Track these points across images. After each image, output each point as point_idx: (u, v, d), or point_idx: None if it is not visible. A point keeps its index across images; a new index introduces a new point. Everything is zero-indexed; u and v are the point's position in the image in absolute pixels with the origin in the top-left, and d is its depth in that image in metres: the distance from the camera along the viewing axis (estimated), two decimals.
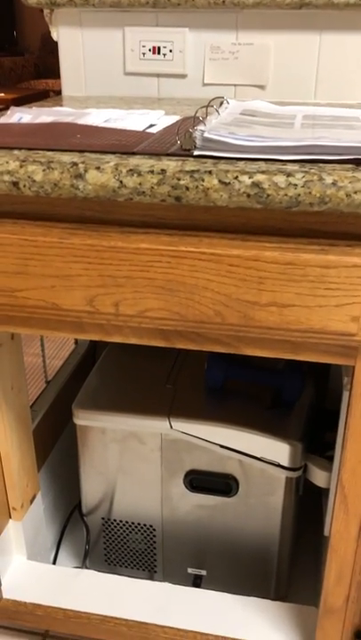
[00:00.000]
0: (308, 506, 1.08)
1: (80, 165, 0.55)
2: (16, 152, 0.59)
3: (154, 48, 1.02)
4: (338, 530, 0.74)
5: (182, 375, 1.02)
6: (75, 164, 0.55)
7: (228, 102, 0.76)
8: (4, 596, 0.93)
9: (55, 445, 1.14)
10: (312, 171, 0.52)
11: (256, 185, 0.52)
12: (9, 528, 0.96)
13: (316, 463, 0.91)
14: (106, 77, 1.06)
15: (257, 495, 0.94)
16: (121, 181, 0.55)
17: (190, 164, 0.54)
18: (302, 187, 0.52)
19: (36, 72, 5.95)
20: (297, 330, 0.60)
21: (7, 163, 0.56)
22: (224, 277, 0.59)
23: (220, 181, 0.53)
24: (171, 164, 0.54)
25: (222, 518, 0.97)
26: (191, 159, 0.56)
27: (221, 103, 0.76)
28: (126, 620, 0.89)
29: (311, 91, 1.00)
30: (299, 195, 0.52)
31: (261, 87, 1.01)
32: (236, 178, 0.53)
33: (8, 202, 0.61)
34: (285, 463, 0.90)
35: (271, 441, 0.89)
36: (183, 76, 1.03)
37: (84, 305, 0.63)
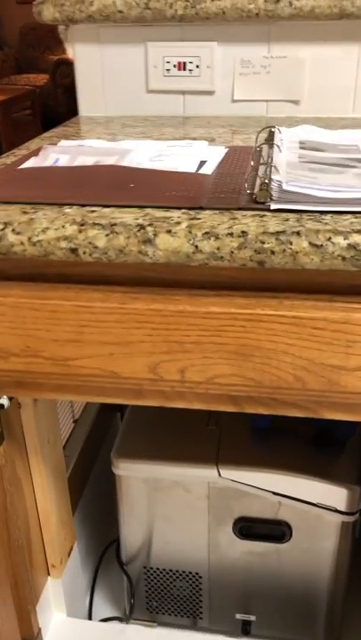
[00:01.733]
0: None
1: (148, 229, 0.48)
2: (68, 209, 0.53)
3: (179, 64, 0.95)
4: None
5: (224, 414, 0.96)
6: (142, 226, 0.49)
7: (280, 132, 0.70)
8: None
9: (86, 486, 1.07)
10: None
11: (353, 247, 0.46)
12: (48, 587, 0.90)
13: None
14: (127, 96, 0.98)
15: (310, 540, 0.89)
16: (196, 246, 0.48)
17: (274, 224, 0.48)
18: None
19: (16, 66, 5.79)
20: None
21: (63, 227, 0.49)
22: (306, 341, 0.53)
23: (310, 244, 0.47)
24: (251, 225, 0.48)
25: (273, 564, 0.92)
26: (269, 214, 0.50)
27: (272, 133, 0.70)
28: None
29: (350, 105, 0.94)
30: None
31: (296, 102, 0.95)
32: (330, 239, 0.47)
33: (62, 265, 0.54)
34: (342, 508, 0.85)
35: (327, 486, 0.84)
36: (211, 93, 0.96)
37: (145, 372, 0.57)
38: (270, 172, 0.53)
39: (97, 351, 0.56)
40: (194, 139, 0.78)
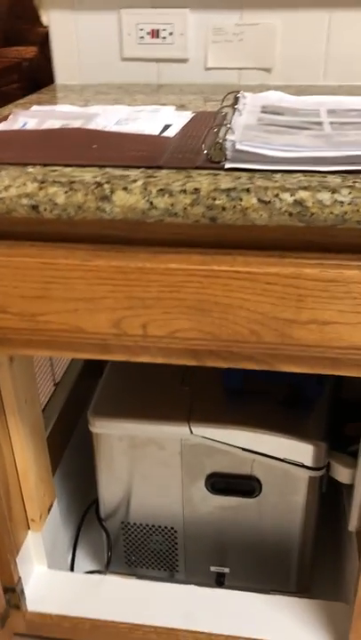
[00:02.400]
0: (328, 498, 1.08)
1: (105, 186, 0.51)
2: (31, 169, 0.55)
3: (152, 31, 0.96)
4: None
5: (198, 375, 0.99)
6: (99, 184, 0.51)
7: (244, 97, 0.72)
8: (29, 608, 0.92)
9: (67, 448, 1.11)
10: (358, 185, 0.49)
11: (299, 203, 0.49)
12: (28, 540, 0.94)
13: (339, 461, 0.90)
14: (102, 64, 0.99)
15: (279, 495, 0.93)
16: (151, 202, 0.51)
17: (226, 182, 0.50)
18: (349, 204, 0.48)
19: (5, 39, 5.72)
20: (339, 347, 0.57)
21: (25, 185, 0.52)
22: (260, 296, 0.56)
23: (259, 200, 0.49)
24: (204, 182, 0.50)
25: (244, 518, 0.96)
26: (223, 173, 0.52)
27: (237, 98, 0.72)
28: (155, 627, 0.88)
29: (320, 72, 0.95)
30: (345, 212, 0.49)
31: (267, 70, 0.96)
32: (277, 196, 0.49)
33: (25, 223, 0.56)
34: (309, 463, 0.88)
35: (295, 442, 0.87)
36: (184, 61, 0.98)
37: (109, 327, 0.60)
38: (226, 133, 0.55)
39: (63, 307, 0.59)
40: (164, 105, 0.80)
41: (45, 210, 0.52)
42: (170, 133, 0.64)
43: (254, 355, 0.61)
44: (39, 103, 0.84)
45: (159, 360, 0.63)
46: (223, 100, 0.64)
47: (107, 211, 0.51)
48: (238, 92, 0.73)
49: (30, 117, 0.68)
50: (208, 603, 0.92)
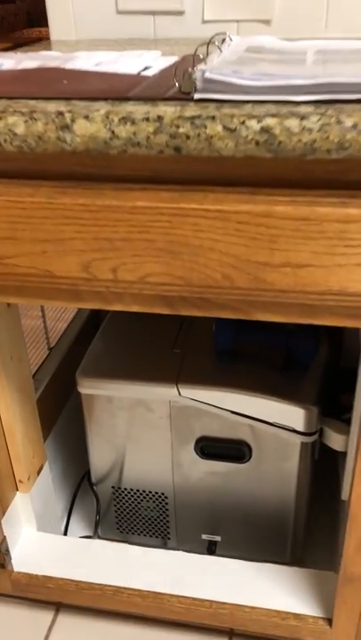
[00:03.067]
0: (322, 467, 1.05)
1: (66, 115, 0.49)
2: None
3: None
4: (359, 495, 0.70)
5: (190, 339, 0.97)
6: (60, 113, 0.49)
7: (230, 39, 0.69)
8: (15, 568, 0.91)
9: (61, 414, 1.10)
10: (329, 112, 0.46)
11: (266, 130, 0.46)
12: (16, 500, 0.94)
13: (332, 427, 0.87)
14: (97, 18, 0.97)
15: (271, 461, 0.90)
16: (113, 131, 0.48)
17: (190, 110, 0.48)
18: (318, 131, 0.45)
19: (28, 20, 5.71)
20: (314, 292, 0.54)
21: None
22: (232, 237, 0.53)
23: (224, 127, 0.47)
24: (168, 110, 0.48)
25: (235, 484, 0.94)
26: (192, 104, 0.50)
27: (224, 40, 0.69)
28: (140, 590, 0.87)
29: (322, 24, 0.91)
30: (314, 140, 0.46)
31: (267, 22, 0.93)
32: (243, 123, 0.46)
33: None
34: (300, 428, 0.86)
35: (285, 406, 0.85)
36: (181, 13, 0.95)
37: (79, 271, 0.58)
38: (196, 64, 0.53)
39: (31, 249, 0.57)
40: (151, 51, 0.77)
41: (6, 141, 0.50)
42: (148, 73, 0.61)
43: (229, 302, 0.58)
44: (26, 52, 0.82)
45: (133, 308, 0.61)
46: (209, 42, 0.61)
47: (67, 141, 0.49)
48: (225, 33, 0.70)
49: (8, 59, 0.66)
50: (197, 569, 0.90)
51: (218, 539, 1.01)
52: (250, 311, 0.59)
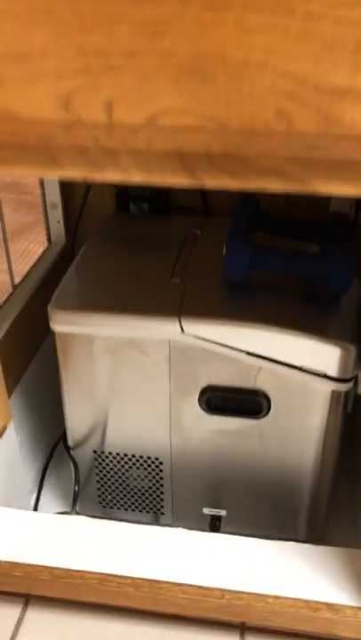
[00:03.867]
0: (354, 427, 0.88)
1: None
2: None
3: None
4: None
5: (191, 269, 0.78)
6: None
7: None
8: None
9: (31, 363, 0.90)
10: None
11: None
12: None
13: None
14: None
15: (293, 415, 0.73)
16: None
17: None
18: None
19: None
20: None
21: None
22: (294, 44, 0.34)
23: None
24: None
25: (247, 445, 0.76)
26: None
27: None
28: (133, 578, 0.69)
29: None
30: None
31: None
32: None
33: None
34: (333, 373, 0.68)
35: (316, 344, 0.67)
36: None
37: (54, 109, 0.38)
38: None
39: None
40: None
41: None
42: None
43: (279, 165, 0.39)
44: None
45: (134, 175, 0.41)
46: None
47: None
48: None
49: None
50: (203, 550, 0.72)
51: (223, 513, 0.84)
52: (309, 179, 0.40)
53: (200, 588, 0.68)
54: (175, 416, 0.75)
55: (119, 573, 0.69)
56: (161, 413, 0.75)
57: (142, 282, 0.75)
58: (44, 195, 0.98)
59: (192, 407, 0.74)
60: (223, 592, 0.68)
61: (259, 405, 0.72)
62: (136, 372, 0.73)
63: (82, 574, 0.70)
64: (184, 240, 0.84)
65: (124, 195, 0.97)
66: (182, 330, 0.68)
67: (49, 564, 0.70)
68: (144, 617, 0.74)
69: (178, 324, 0.68)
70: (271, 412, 0.73)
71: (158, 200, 0.97)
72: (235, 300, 0.72)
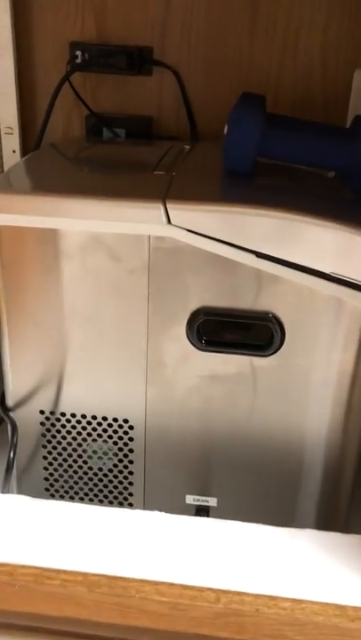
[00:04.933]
0: None
1: None
2: None
3: None
4: None
5: (181, 163, 0.60)
6: None
7: None
8: None
9: None
10: None
11: None
12: None
13: None
14: None
15: (315, 352, 0.53)
16: None
17: None
18: None
19: None
20: None
21: None
22: None
23: None
24: None
25: (249, 400, 0.56)
26: None
27: None
28: (85, 573, 0.47)
29: None
30: None
31: None
32: None
33: None
34: None
35: (352, 241, 0.49)
36: None
37: None
38: None
39: None
40: None
41: None
42: None
43: None
44: None
45: None
46: None
47: None
48: None
49: None
50: (184, 537, 0.51)
51: (212, 503, 0.62)
52: None
53: (185, 587, 0.46)
54: (153, 354, 0.55)
55: (65, 568, 0.47)
56: (134, 351, 0.55)
57: (115, 171, 0.57)
58: None
59: (177, 340, 0.54)
60: (218, 593, 0.46)
61: (268, 334, 0.53)
62: (102, 286, 0.53)
63: (10, 569, 0.47)
64: (169, 149, 0.67)
65: (97, 118, 0.80)
66: (168, 219, 0.49)
67: None
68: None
69: (162, 209, 0.49)
70: (285, 346, 0.53)
71: (138, 126, 0.80)
72: (239, 187, 0.54)
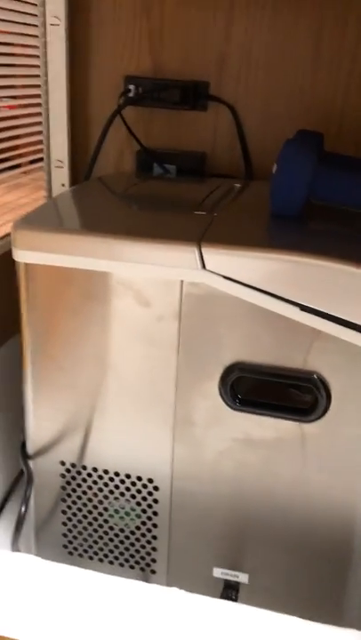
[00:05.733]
0: None
1: None
2: None
3: None
4: None
5: (226, 203, 0.56)
6: None
7: None
8: None
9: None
10: None
11: None
12: None
13: None
14: None
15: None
16: None
17: None
18: None
19: None
20: None
21: None
22: None
23: None
24: None
25: (289, 470, 0.50)
26: None
27: None
28: None
29: None
30: None
31: None
32: None
33: None
34: None
35: None
36: None
37: None
38: None
39: None
40: None
41: None
42: None
43: None
44: None
45: None
46: None
47: None
48: None
49: None
50: (204, 624, 0.44)
51: (243, 578, 0.56)
52: None
53: None
54: (182, 410, 0.50)
55: None
56: (161, 405, 0.50)
57: (154, 210, 0.53)
58: (48, 150, 0.79)
59: (209, 397, 0.49)
60: None
61: (312, 398, 0.47)
62: (129, 332, 0.49)
63: None
64: (217, 188, 0.63)
65: (148, 153, 0.77)
66: (203, 263, 0.45)
67: None
68: None
69: (197, 253, 0.45)
70: (331, 410, 0.47)
71: (190, 162, 0.76)
72: (285, 231, 0.48)
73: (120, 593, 0.47)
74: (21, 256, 0.48)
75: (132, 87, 0.74)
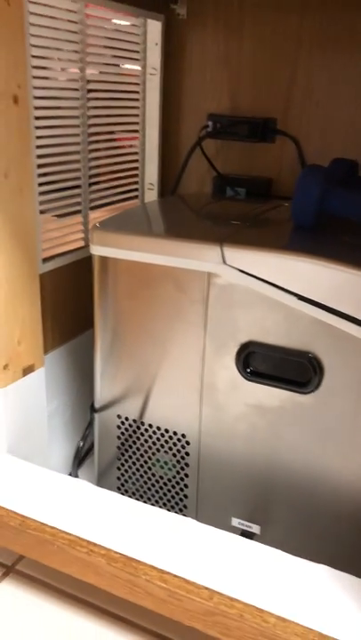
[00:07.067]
0: None
1: None
2: None
3: None
4: None
5: (262, 216, 0.68)
6: None
7: None
8: None
9: (87, 332, 0.84)
10: None
11: None
12: None
13: None
14: None
15: (351, 392, 0.56)
16: None
17: None
18: None
19: None
20: None
21: None
22: None
23: None
24: None
25: (290, 435, 0.60)
26: None
27: None
28: (108, 548, 0.55)
29: None
30: None
31: None
32: None
33: None
34: None
35: None
36: None
37: None
38: None
39: None
40: None
41: None
42: None
43: None
44: None
45: None
46: None
47: None
48: None
49: None
50: (202, 543, 0.56)
51: (255, 529, 0.66)
52: None
53: (184, 581, 0.52)
54: (208, 378, 0.63)
55: (93, 540, 0.56)
56: (192, 373, 0.63)
57: (207, 220, 0.67)
58: (142, 175, 0.96)
59: (228, 368, 0.61)
60: (212, 593, 0.51)
61: (306, 373, 0.57)
62: (170, 312, 0.62)
63: (54, 531, 0.57)
64: (269, 206, 0.75)
65: (222, 178, 0.91)
66: (224, 259, 0.58)
67: (22, 512, 0.59)
68: (114, 618, 0.58)
69: (219, 251, 0.58)
70: (323, 385, 0.57)
71: (258, 186, 0.89)
72: (297, 238, 0.60)
73: (140, 511, 0.60)
74: (95, 250, 0.64)
75: (210, 123, 0.88)
